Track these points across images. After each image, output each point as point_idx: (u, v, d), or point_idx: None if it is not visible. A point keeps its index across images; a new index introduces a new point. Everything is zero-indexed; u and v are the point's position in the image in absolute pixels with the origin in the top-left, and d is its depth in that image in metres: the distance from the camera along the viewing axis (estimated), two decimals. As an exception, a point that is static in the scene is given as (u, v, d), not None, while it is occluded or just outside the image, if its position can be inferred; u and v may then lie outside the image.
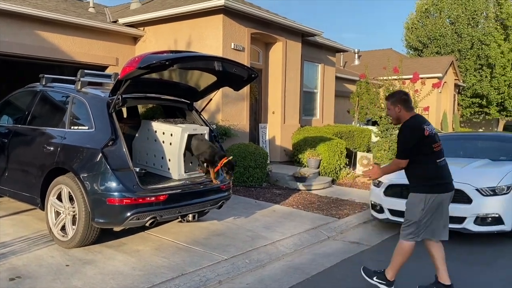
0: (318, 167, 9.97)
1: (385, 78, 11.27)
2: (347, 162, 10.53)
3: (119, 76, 4.47)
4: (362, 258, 5.07)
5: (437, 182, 3.98)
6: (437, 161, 4.00)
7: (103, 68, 10.34)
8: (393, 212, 6.05)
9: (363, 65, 17.12)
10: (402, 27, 31.22)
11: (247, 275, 4.44)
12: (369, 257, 5.15)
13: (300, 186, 8.86)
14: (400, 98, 4.03)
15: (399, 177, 6.17)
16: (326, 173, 9.92)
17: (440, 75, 20.50)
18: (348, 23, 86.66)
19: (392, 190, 6.09)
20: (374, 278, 4.19)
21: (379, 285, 4.15)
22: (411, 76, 11.18)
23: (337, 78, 15.28)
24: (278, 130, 11.27)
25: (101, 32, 10.23)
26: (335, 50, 14.53)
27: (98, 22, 10.11)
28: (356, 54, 25.11)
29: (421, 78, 11.57)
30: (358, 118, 14.42)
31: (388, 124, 10.69)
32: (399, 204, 5.96)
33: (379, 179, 6.33)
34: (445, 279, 4.05)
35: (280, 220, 6.35)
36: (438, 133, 11.74)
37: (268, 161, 9.23)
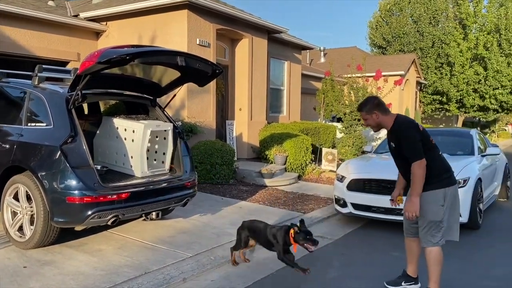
0: (285, 164, 10.05)
1: (349, 75, 11.48)
2: (313, 158, 10.67)
3: (78, 71, 4.35)
4: (326, 252, 5.15)
5: (450, 174, 3.81)
6: (440, 153, 3.88)
7: (64, 63, 10.04)
8: (356, 206, 6.18)
9: (328, 62, 17.35)
10: (366, 25, 31.88)
11: (212, 271, 4.43)
12: (332, 251, 5.24)
13: (267, 182, 8.90)
14: (374, 104, 3.80)
15: (362, 172, 6.34)
16: (292, 169, 10.01)
17: (402, 72, 21.05)
18: (315, 21, 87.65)
19: (355, 185, 6.22)
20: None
21: None
22: (374, 74, 11.45)
23: (303, 75, 15.43)
24: (245, 127, 11.28)
25: (61, 27, 9.92)
26: (301, 48, 14.65)
27: (58, 16, 9.79)
28: (322, 52, 25.43)
29: (384, 75, 11.86)
30: (323, 115, 14.62)
31: (352, 120, 10.91)
32: (362, 198, 6.12)
33: (342, 174, 6.45)
34: (415, 272, 4.10)
35: (247, 216, 6.33)
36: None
37: (235, 158, 9.23)
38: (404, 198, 4.02)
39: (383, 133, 13.44)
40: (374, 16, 31.10)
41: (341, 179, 6.41)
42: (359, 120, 10.83)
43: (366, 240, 5.75)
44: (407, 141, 3.68)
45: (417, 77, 24.81)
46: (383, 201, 5.92)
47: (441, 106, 27.24)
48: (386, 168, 6.52)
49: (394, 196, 4.16)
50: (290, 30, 12.55)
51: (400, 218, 5.79)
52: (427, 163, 3.64)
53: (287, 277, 4.35)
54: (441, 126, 27.83)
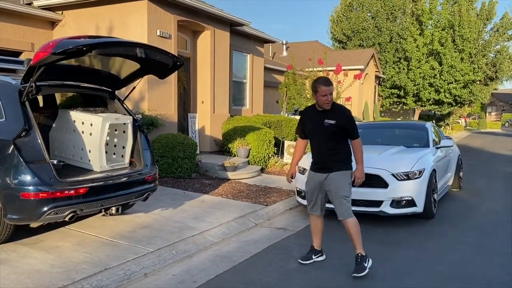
0: (248, 156, 10.07)
1: (310, 69, 11.63)
2: (276, 151, 10.76)
3: (31, 62, 4.17)
4: (287, 243, 5.23)
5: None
6: None
7: (17, 53, 9.59)
8: (317, 198, 6.28)
9: (290, 56, 17.49)
10: (328, 20, 32.31)
11: (174, 266, 4.40)
12: (294, 242, 5.32)
13: (230, 175, 8.90)
14: (332, 83, 4.29)
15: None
16: (255, 162, 10.06)
17: (362, 67, 21.52)
18: (276, 14, 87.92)
19: (316, 177, 6.31)
20: (365, 264, 4.25)
21: (369, 264, 4.27)
22: (335, 68, 11.65)
23: (266, 68, 15.48)
24: (208, 120, 11.20)
25: (13, 15, 9.45)
26: (263, 41, 14.67)
27: (9, 4, 9.32)
28: (284, 46, 25.58)
29: (344, 69, 12.11)
30: (286, 108, 14.74)
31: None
32: (323, 190, 6.22)
33: (303, 167, 6.54)
34: (320, 245, 4.65)
35: (209, 210, 6.35)
36: (360, 122, 12.32)
37: (198, 151, 9.16)
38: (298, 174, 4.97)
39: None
40: (335, 11, 31.56)
41: (302, 171, 6.49)
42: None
43: (326, 231, 5.80)
44: (352, 121, 4.33)
45: (376, 71, 25.45)
46: (343, 192, 6.08)
47: (399, 100, 28.09)
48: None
49: (293, 173, 4.70)
50: (252, 23, 12.54)
51: (362, 208, 5.99)
52: (346, 144, 4.36)
53: (249, 270, 4.38)
54: (398, 119, 28.71)
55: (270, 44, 19.35)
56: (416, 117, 28.99)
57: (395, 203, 5.92)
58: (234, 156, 10.22)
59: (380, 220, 6.21)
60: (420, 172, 6.05)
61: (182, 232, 5.23)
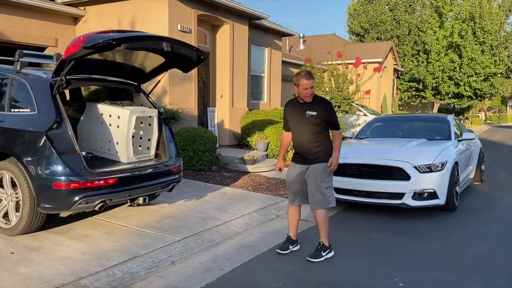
0: (266, 150, 10.15)
1: (329, 62, 11.60)
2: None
3: (62, 57, 4.30)
4: (310, 234, 5.29)
5: None
6: None
7: (42, 49, 9.81)
8: (337, 190, 6.29)
9: (308, 49, 17.44)
10: (345, 13, 32.03)
11: (200, 254, 4.51)
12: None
13: (249, 168, 9.00)
14: (313, 76, 4.40)
15: (343, 157, 6.44)
16: (274, 155, 10.12)
17: (380, 60, 21.33)
18: (292, 8, 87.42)
19: (337, 170, 6.28)
20: (322, 253, 4.44)
21: (328, 255, 4.45)
22: (353, 61, 11.61)
23: (283, 62, 15.48)
24: (227, 114, 11.30)
25: (38, 11, 9.67)
26: (281, 34, 14.68)
27: (35, 1, 9.53)
28: (301, 39, 25.48)
29: (363, 62, 12.04)
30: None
31: (332, 107, 11.06)
32: (344, 182, 6.27)
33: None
34: (296, 235, 4.76)
35: (231, 201, 6.45)
36: (379, 116, 12.29)
37: (217, 145, 9.27)
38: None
39: (362, 119, 13.70)
40: (352, 4, 31.26)
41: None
42: (339, 106, 10.99)
43: (347, 222, 5.92)
44: (333, 112, 4.51)
45: (394, 64, 25.19)
46: (364, 185, 6.12)
47: (417, 93, 27.76)
48: (367, 153, 6.71)
49: (282, 166, 4.82)
50: (270, 17, 12.55)
51: (384, 201, 6.02)
52: (327, 136, 4.48)
53: (273, 259, 4.46)
54: (417, 112, 28.41)
55: (287, 37, 19.34)
56: (435, 110, 28.64)
57: (417, 195, 5.93)
58: (253, 149, 10.30)
59: (401, 212, 6.23)
60: (443, 165, 6.04)
61: (206, 222, 5.35)
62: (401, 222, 5.87)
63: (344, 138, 9.44)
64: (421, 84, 26.93)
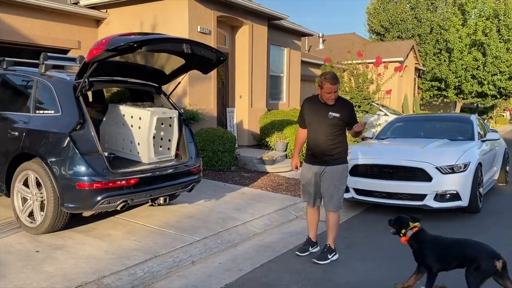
0: (285, 150, 10.14)
1: (349, 62, 11.51)
2: (314, 145, 10.74)
3: (85, 59, 4.39)
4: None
5: None
6: None
7: (65, 51, 10.02)
8: (358, 191, 6.29)
9: (327, 49, 17.32)
10: (364, 12, 31.72)
11: (220, 255, 4.54)
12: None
13: (268, 169, 9.00)
14: (338, 80, 4.33)
15: (364, 157, 6.44)
16: (293, 155, 10.09)
17: (401, 59, 21.05)
18: (311, 8, 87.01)
19: (357, 170, 6.32)
20: (329, 256, 4.41)
21: (333, 258, 4.45)
22: (374, 60, 11.49)
23: (302, 62, 15.43)
24: (246, 114, 11.33)
25: (61, 14, 9.89)
26: (301, 34, 14.64)
27: (58, 4, 9.75)
28: (321, 39, 25.33)
29: (384, 62, 11.91)
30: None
31: (352, 107, 10.97)
32: (364, 183, 6.22)
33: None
34: (316, 237, 4.72)
35: (250, 201, 6.47)
36: (400, 116, 12.10)
37: (236, 145, 9.31)
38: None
39: (383, 119, 13.55)
40: (371, 3, 30.93)
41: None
42: (359, 106, 10.90)
43: (368, 224, 5.87)
44: (355, 114, 4.47)
45: (415, 63, 24.81)
46: (385, 186, 6.06)
47: (439, 93, 27.27)
48: (388, 153, 6.64)
49: (299, 163, 4.73)
50: (289, 17, 12.54)
51: (405, 202, 5.95)
52: (344, 140, 4.45)
53: (292, 260, 4.46)
54: (439, 112, 27.92)
55: (307, 37, 19.25)
56: (457, 110, 28.09)
57: (439, 196, 5.83)
58: (272, 149, 10.31)
59: (423, 214, 6.13)
60: (465, 166, 5.93)
61: (225, 222, 5.37)
62: (422, 224, 5.77)
63: (364, 138, 9.35)
64: (443, 83, 26.44)
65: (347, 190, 6.39)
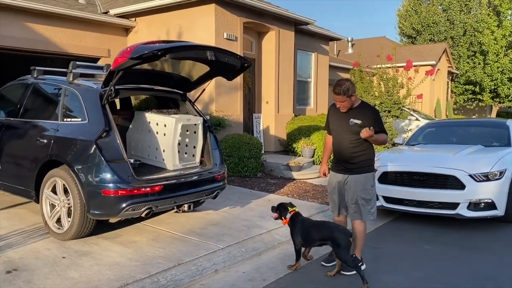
0: (313, 156, 10.00)
1: (378, 66, 11.28)
2: (342, 151, 10.55)
3: (111, 67, 4.44)
4: (357, 245, 5.12)
5: None
6: None
7: (95, 59, 10.27)
8: (387, 199, 6.10)
9: (356, 53, 17.07)
10: (395, 14, 31.19)
11: (244, 263, 4.47)
12: (364, 244, 5.18)
13: (295, 175, 8.89)
14: (353, 86, 4.11)
15: (393, 164, 6.25)
16: (320, 162, 9.94)
17: (433, 62, 20.53)
18: (340, 12, 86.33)
19: (387, 178, 6.14)
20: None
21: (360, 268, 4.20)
22: (404, 64, 11.21)
23: (330, 66, 15.27)
24: (272, 120, 11.27)
25: (92, 24, 10.14)
26: (329, 39, 14.49)
27: (88, 14, 10.01)
28: (350, 43, 25.05)
29: (415, 65, 11.61)
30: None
31: (382, 112, 10.74)
32: (393, 191, 6.03)
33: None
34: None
35: (276, 209, 6.37)
36: (431, 121, 11.76)
37: (263, 151, 9.25)
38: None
39: (414, 125, 13.21)
40: (402, 5, 30.37)
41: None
42: (389, 111, 10.65)
43: (397, 233, 5.68)
44: (380, 121, 4.23)
45: (448, 66, 24.14)
46: (415, 194, 5.85)
47: (474, 96, 26.40)
48: (418, 160, 6.43)
49: (327, 170, 4.58)
50: (317, 21, 12.42)
51: (436, 211, 5.73)
52: (368, 148, 4.23)
53: (318, 271, 4.34)
54: (473, 116, 27.04)
55: (335, 41, 19.06)
56: (493, 114, 27.09)
57: (473, 205, 5.58)
58: (299, 155, 10.19)
59: (455, 223, 5.90)
60: (501, 173, 5.66)
61: (250, 230, 5.31)
62: (454, 234, 5.55)
63: (394, 144, 9.12)
64: (477, 87, 25.60)
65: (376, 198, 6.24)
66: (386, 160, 6.42)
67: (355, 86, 4.16)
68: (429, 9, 28.20)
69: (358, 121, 4.11)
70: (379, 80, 11.25)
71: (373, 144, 4.29)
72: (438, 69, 22.10)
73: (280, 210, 4.33)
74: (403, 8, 30.21)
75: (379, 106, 10.74)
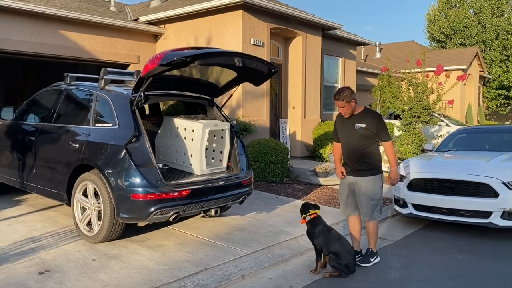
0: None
1: (407, 71, 11.09)
2: (369, 157, 10.39)
3: (141, 74, 4.53)
4: (386, 253, 5.03)
5: None
6: None
7: (125, 66, 10.50)
8: (416, 206, 5.97)
9: (384, 58, 16.85)
10: (424, 18, 30.65)
11: (270, 269, 4.46)
12: (392, 252, 5.09)
13: (322, 181, 8.82)
14: (352, 93, 4.43)
15: (423, 171, 6.13)
16: (347, 168, 9.83)
17: (464, 67, 20.04)
18: (368, 16, 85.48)
19: (416, 185, 6.01)
20: (371, 259, 4.60)
21: (375, 261, 4.63)
22: (434, 69, 10.98)
23: (358, 71, 15.13)
24: (299, 125, 11.23)
25: (122, 31, 10.38)
26: (356, 44, 14.37)
27: (119, 21, 10.25)
28: (377, 47, 24.75)
29: (446, 70, 11.35)
30: (380, 112, 14.23)
31: (411, 117, 10.54)
32: (423, 198, 5.90)
33: (402, 174, 6.25)
34: (359, 247, 4.73)
35: (302, 215, 6.33)
36: (463, 127, 11.48)
37: (289, 157, 9.22)
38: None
39: (444, 130, 12.91)
40: (431, 9, 29.83)
41: (401, 178, 6.21)
42: (418, 117, 10.44)
43: (427, 242, 5.54)
44: (383, 124, 4.48)
45: (480, 71, 23.52)
46: (446, 201, 5.71)
47: (507, 102, 25.64)
48: (449, 167, 6.28)
49: (344, 169, 4.70)
50: (344, 26, 12.34)
51: (468, 219, 5.57)
52: (376, 148, 4.50)
53: (346, 278, 4.28)
54: (507, 122, 26.22)
55: (363, 46, 18.88)
56: (528, 120, 26.21)
57: (507, 214, 5.39)
58: (326, 161, 10.10)
59: (488, 232, 5.72)
60: (538, 183, 5.45)
61: (276, 236, 5.29)
62: (487, 244, 5.38)
63: (424, 150, 8.92)
64: (511, 92, 24.83)
65: (405, 205, 6.13)
66: (416, 166, 6.29)
67: (354, 93, 4.46)
68: (459, 12, 27.60)
69: (363, 125, 4.43)
70: (408, 85, 11.05)
71: (378, 149, 4.58)
72: (469, 74, 21.57)
73: (302, 209, 4.52)
74: (432, 12, 29.69)
75: (408, 112, 10.54)
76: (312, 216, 4.41)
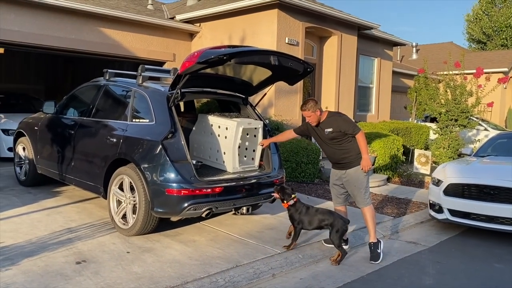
0: (373, 164, 9.71)
1: (445, 73, 10.78)
2: (404, 160, 10.19)
3: (178, 71, 4.59)
4: (420, 259, 4.91)
5: None
6: None
7: (161, 63, 10.67)
8: (453, 212, 5.81)
9: (421, 59, 16.44)
10: (463, 19, 29.74)
11: (301, 270, 4.44)
12: (427, 258, 4.97)
13: (354, 182, 8.68)
14: (316, 104, 4.74)
15: (461, 176, 5.95)
16: (381, 170, 9.66)
17: (505, 69, 19.32)
18: (405, 16, 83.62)
19: (453, 190, 5.84)
20: (378, 251, 4.74)
21: (382, 247, 4.82)
22: (473, 71, 10.64)
23: (394, 72, 14.83)
24: (332, 126, 11.09)
25: (159, 29, 10.56)
26: (392, 44, 14.09)
27: (156, 19, 10.43)
28: (414, 48, 24.19)
29: (485, 73, 10.98)
30: (415, 115, 13.91)
31: (448, 121, 10.25)
32: (460, 204, 5.73)
33: (439, 178, 6.09)
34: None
35: (333, 216, 6.26)
36: (503, 131, 11.07)
37: (320, 157, 9.13)
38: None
39: (482, 135, 12.50)
40: (473, 9, 28.90)
41: (437, 183, 6.05)
42: (456, 120, 10.14)
43: (464, 249, 5.38)
44: (346, 121, 4.82)
45: (522, 74, 22.59)
46: (485, 208, 5.53)
47: (552, 106, 24.50)
48: (488, 172, 6.07)
49: (266, 143, 5.35)
50: (381, 26, 12.12)
51: (498, 226, 5.38)
52: (354, 143, 4.78)
53: (378, 282, 4.21)
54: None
55: (399, 47, 18.50)
56: None
57: (550, 224, 5.17)
58: (359, 163, 9.93)
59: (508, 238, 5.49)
60: None
61: (307, 236, 5.25)
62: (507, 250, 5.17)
63: (461, 155, 8.66)
64: (555, 96, 23.73)
65: (440, 210, 5.96)
66: (453, 171, 6.12)
67: (318, 103, 4.80)
68: (503, 12, 26.62)
69: (330, 129, 4.77)
70: (445, 88, 10.74)
71: (354, 141, 4.79)
72: (511, 77, 20.77)
73: (283, 193, 4.76)
74: (473, 11, 28.76)
75: (445, 115, 10.24)
76: (295, 200, 4.73)
